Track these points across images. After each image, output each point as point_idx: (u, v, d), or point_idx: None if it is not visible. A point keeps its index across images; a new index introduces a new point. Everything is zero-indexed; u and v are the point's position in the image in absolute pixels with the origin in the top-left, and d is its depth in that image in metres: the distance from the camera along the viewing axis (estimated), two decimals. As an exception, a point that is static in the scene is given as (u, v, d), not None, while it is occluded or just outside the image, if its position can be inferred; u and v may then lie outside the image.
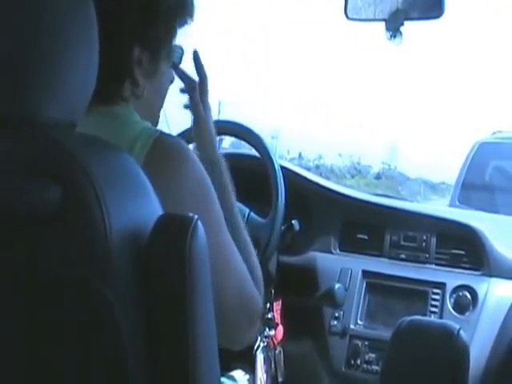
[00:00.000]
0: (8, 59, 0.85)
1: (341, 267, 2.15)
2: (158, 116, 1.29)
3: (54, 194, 0.79)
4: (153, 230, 0.83)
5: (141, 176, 0.88)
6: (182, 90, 1.39)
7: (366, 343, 2.05)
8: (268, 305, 1.88)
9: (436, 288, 2.04)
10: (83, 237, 0.80)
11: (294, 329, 2.00)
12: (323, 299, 2.09)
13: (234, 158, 1.51)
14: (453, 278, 2.05)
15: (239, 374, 1.67)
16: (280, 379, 1.98)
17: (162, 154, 1.08)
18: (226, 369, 1.59)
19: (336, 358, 2.08)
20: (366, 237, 2.20)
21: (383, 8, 1.68)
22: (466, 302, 2.00)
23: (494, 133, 5.72)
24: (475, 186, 5.30)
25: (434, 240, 2.12)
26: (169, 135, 1.15)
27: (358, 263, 2.16)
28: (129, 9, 1.13)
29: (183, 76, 1.36)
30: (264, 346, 1.91)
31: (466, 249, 2.09)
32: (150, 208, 0.87)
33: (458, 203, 5.15)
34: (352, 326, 2.07)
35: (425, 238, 2.13)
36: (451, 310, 2.01)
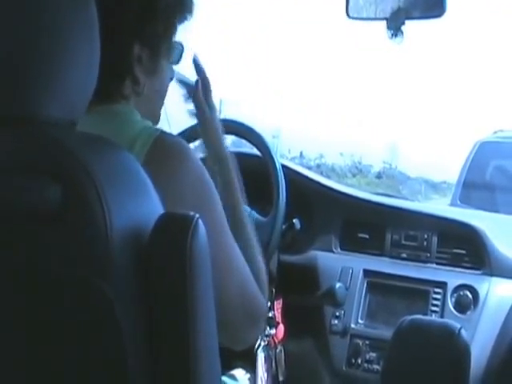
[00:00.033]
0: (8, 59, 0.85)
1: (342, 266, 2.15)
2: (159, 114, 1.29)
3: (54, 192, 0.79)
4: (153, 228, 0.83)
5: (141, 174, 0.87)
6: (186, 97, 1.38)
7: (367, 342, 2.05)
8: (269, 304, 1.88)
9: (437, 287, 2.04)
10: (83, 236, 0.79)
11: (294, 328, 2.01)
12: (324, 298, 2.09)
13: (235, 157, 1.51)
14: (454, 278, 2.05)
15: (240, 373, 1.67)
16: (281, 378, 1.98)
17: (162, 154, 1.08)
18: (226, 367, 1.59)
19: (337, 357, 2.08)
20: (367, 236, 2.20)
21: (384, 7, 1.67)
22: (467, 301, 2.00)
23: (494, 132, 5.71)
24: (476, 185, 5.30)
25: (435, 239, 2.12)
26: (169, 134, 1.14)
27: (359, 262, 2.16)
28: (129, 8, 1.13)
29: (182, 81, 1.36)
30: (265, 345, 1.91)
31: (467, 248, 2.09)
32: (151, 207, 0.87)
33: (459, 202, 5.14)
34: (353, 325, 2.07)
35: (426, 237, 2.13)
36: (452, 309, 2.01)
